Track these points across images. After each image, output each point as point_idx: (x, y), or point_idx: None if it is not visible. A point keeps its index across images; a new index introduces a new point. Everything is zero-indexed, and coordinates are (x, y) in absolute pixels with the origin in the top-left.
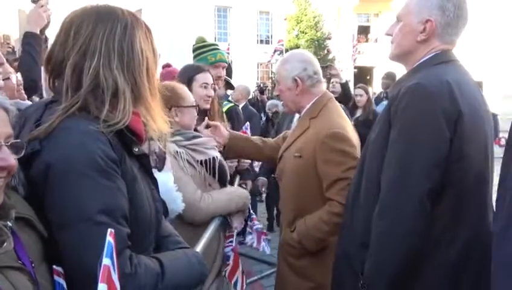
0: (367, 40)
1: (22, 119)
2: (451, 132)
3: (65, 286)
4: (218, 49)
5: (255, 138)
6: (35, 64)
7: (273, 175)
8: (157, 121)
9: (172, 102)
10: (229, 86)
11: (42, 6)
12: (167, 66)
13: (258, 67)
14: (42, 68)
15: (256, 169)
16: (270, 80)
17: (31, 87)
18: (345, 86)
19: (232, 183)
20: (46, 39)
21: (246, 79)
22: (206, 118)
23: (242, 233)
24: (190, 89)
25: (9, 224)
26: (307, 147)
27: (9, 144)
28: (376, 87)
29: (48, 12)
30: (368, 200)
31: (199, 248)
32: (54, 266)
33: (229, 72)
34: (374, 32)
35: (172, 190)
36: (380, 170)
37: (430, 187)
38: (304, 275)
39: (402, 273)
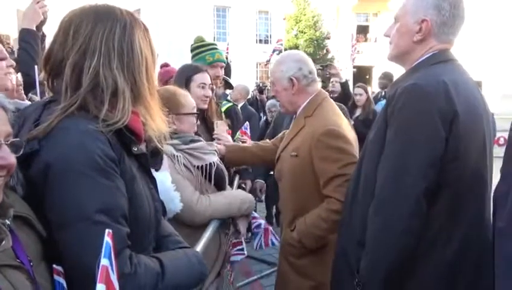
0: (366, 40)
1: (21, 119)
2: (446, 132)
3: (65, 285)
4: (216, 48)
5: (253, 145)
6: (31, 60)
7: (271, 172)
8: (156, 121)
9: (170, 109)
10: (228, 85)
11: (38, 2)
12: (165, 65)
13: (257, 67)
14: (36, 66)
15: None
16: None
17: (28, 83)
18: (344, 85)
19: (231, 183)
20: (43, 36)
21: (245, 79)
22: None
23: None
24: (188, 89)
25: (8, 222)
26: (303, 145)
27: (8, 142)
28: (375, 87)
29: (45, 9)
30: (366, 199)
31: (199, 248)
32: (54, 265)
33: (227, 72)
34: (373, 31)
35: (170, 190)
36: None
37: (426, 187)
38: (305, 274)
39: (397, 272)
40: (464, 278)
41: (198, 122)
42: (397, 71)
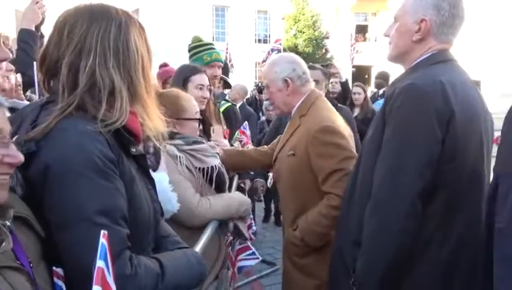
0: (365, 40)
1: (18, 120)
2: (443, 132)
3: (64, 288)
4: (213, 48)
5: (251, 149)
6: (30, 60)
7: (268, 171)
8: (154, 120)
9: (172, 113)
10: (226, 85)
11: (37, 2)
12: (164, 65)
13: (256, 67)
14: (34, 63)
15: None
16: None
17: (27, 83)
18: (345, 84)
19: (230, 182)
20: (42, 36)
21: (244, 78)
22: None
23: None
24: (185, 90)
25: (8, 223)
26: (299, 144)
27: (13, 140)
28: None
29: (43, 9)
30: (363, 199)
31: (198, 248)
32: (54, 268)
33: (225, 71)
34: (372, 31)
35: (167, 190)
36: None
37: (422, 187)
38: (310, 273)
39: (393, 272)
40: (460, 277)
41: (201, 126)
42: (396, 71)
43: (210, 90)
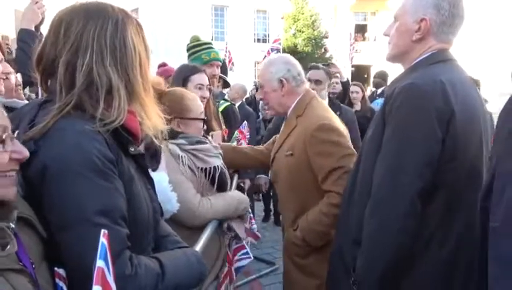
0: (364, 39)
1: (17, 119)
2: (443, 132)
3: (65, 289)
4: (212, 47)
5: (246, 147)
6: (30, 60)
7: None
8: (152, 118)
9: (176, 112)
10: (225, 84)
11: (37, 2)
12: (163, 65)
13: (255, 66)
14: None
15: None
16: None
17: (26, 81)
18: (346, 84)
19: (230, 181)
20: (41, 36)
21: (243, 78)
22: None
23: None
24: None
25: (12, 225)
26: (297, 144)
27: (15, 136)
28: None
29: (43, 9)
30: (362, 198)
31: (198, 247)
32: (56, 269)
33: (224, 70)
34: (371, 31)
35: (167, 190)
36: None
37: (422, 186)
38: (311, 273)
39: (393, 271)
40: (460, 277)
41: (205, 126)
42: (395, 71)
43: (210, 90)
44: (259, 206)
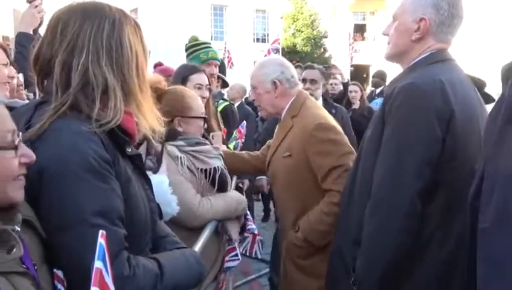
0: (363, 39)
1: (14, 120)
2: (443, 132)
3: None
4: (210, 47)
5: (244, 152)
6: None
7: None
8: (148, 118)
9: (177, 111)
10: (224, 83)
11: (36, 6)
12: (158, 64)
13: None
14: None
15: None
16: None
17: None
18: (346, 85)
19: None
20: (39, 37)
21: (243, 78)
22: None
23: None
24: None
25: (17, 228)
26: (295, 144)
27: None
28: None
29: (42, 14)
30: (362, 198)
31: (197, 248)
32: (55, 270)
33: (222, 70)
34: (370, 30)
35: (167, 193)
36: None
37: (422, 186)
38: (313, 274)
39: (393, 271)
40: (460, 277)
41: (206, 125)
42: (394, 70)
43: (210, 90)
44: (259, 206)
